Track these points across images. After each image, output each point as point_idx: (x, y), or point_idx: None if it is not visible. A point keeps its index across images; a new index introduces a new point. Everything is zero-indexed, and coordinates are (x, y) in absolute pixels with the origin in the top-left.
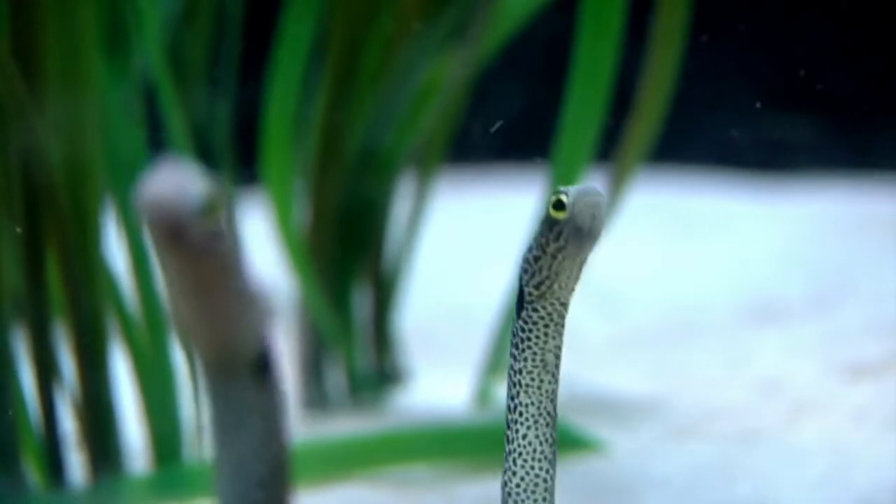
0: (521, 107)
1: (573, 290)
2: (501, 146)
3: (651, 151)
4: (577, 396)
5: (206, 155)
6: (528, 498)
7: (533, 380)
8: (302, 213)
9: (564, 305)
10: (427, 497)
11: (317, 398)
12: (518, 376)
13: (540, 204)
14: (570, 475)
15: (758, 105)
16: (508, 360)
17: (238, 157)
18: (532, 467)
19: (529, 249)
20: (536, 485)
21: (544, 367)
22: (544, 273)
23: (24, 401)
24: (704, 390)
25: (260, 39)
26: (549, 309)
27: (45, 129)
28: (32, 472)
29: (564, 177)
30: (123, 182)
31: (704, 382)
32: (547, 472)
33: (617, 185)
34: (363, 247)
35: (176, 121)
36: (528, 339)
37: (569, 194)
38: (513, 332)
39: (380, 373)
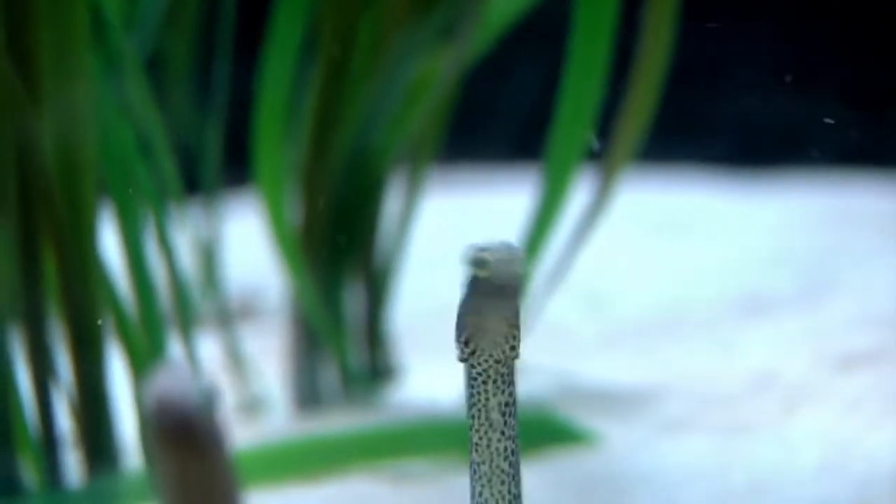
0: (513, 105)
1: (511, 347)
2: (494, 145)
3: (639, 149)
4: (569, 390)
5: (195, 155)
6: None
7: (481, 438)
8: (293, 210)
9: (501, 363)
10: (424, 490)
11: (309, 395)
12: (471, 433)
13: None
14: (563, 468)
15: (743, 101)
16: None
17: (229, 156)
18: None
19: (460, 306)
20: None
21: (490, 425)
22: (470, 330)
23: (20, 399)
24: (696, 383)
25: (250, 37)
26: (485, 366)
27: (40, 125)
28: (28, 471)
29: (557, 175)
30: (119, 178)
31: (696, 375)
32: None
33: (606, 184)
34: (355, 244)
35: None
36: (472, 396)
37: (489, 252)
38: (464, 387)
39: (372, 369)
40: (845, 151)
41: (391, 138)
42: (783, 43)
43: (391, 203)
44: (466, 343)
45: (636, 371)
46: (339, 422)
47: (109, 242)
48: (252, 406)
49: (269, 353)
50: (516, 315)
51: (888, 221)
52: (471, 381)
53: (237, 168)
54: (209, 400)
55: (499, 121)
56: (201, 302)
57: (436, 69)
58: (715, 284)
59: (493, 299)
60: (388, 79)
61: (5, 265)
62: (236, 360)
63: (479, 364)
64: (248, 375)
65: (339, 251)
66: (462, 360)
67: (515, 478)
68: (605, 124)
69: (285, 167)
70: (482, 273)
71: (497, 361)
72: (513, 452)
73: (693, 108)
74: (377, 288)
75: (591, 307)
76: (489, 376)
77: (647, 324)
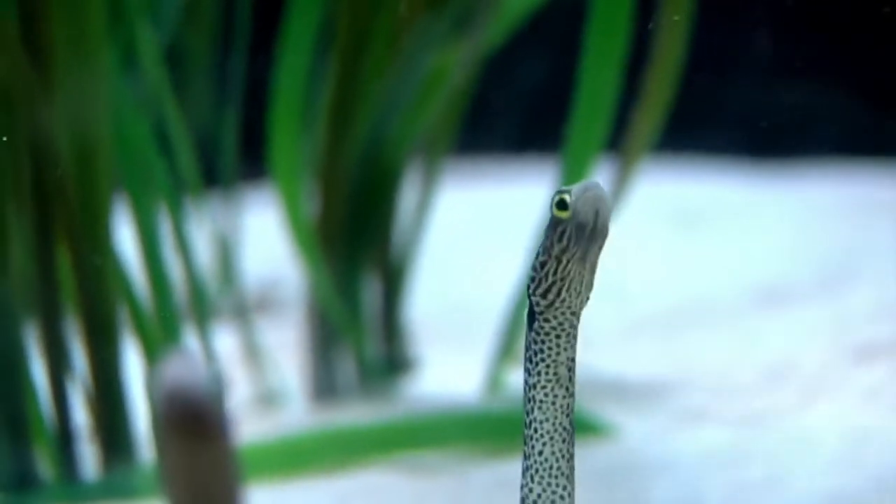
0: (530, 97)
1: (585, 298)
2: (511, 137)
3: (657, 141)
4: (588, 382)
5: (213, 149)
6: None
7: (547, 395)
8: (310, 203)
9: (576, 315)
10: (441, 481)
11: (327, 387)
12: (532, 391)
13: (545, 204)
14: (582, 459)
15: (764, 91)
16: (522, 366)
17: (246, 150)
18: (549, 483)
19: (536, 256)
20: (553, 502)
21: (557, 380)
22: (550, 279)
23: (36, 392)
24: (715, 374)
25: (267, 30)
26: (560, 319)
27: (55, 117)
28: (44, 463)
29: (575, 167)
30: (135, 171)
31: (714, 367)
32: (564, 488)
33: (623, 175)
34: (372, 236)
35: (177, 122)
36: (541, 351)
37: (571, 192)
38: (525, 346)
39: (389, 361)
40: (865, 141)
41: (407, 131)
42: (802, 32)
43: (407, 195)
44: (545, 294)
45: (655, 362)
46: (355, 414)
47: (125, 235)
48: (269, 398)
49: (286, 346)
50: (596, 263)
51: None
52: (542, 335)
53: (256, 161)
54: (218, 389)
55: (515, 112)
56: (218, 295)
57: (451, 62)
58: (734, 275)
59: (578, 242)
60: (404, 71)
61: (21, 258)
62: (253, 352)
63: (555, 317)
64: (265, 368)
65: (356, 243)
66: (538, 313)
67: (573, 436)
68: (623, 115)
69: (302, 160)
70: (563, 215)
71: (573, 313)
72: (573, 411)
73: (711, 99)
74: (393, 280)
75: (610, 298)
76: (563, 329)
77: (666, 315)
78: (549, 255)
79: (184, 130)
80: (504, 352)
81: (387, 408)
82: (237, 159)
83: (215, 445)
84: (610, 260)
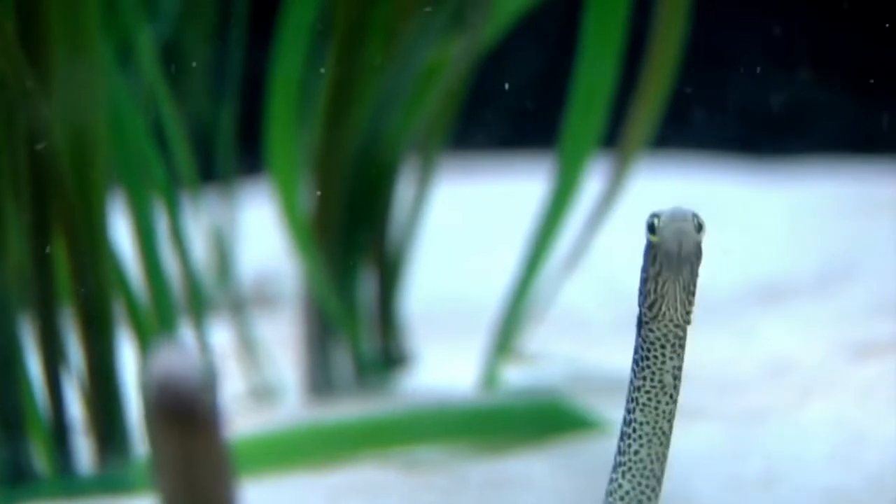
0: (527, 91)
1: (687, 312)
2: (507, 132)
3: (654, 137)
4: (582, 377)
5: (210, 143)
6: None
7: (650, 399)
8: (307, 197)
9: (680, 327)
10: (435, 478)
11: (323, 381)
12: (636, 393)
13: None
14: (576, 454)
15: (762, 87)
16: (630, 372)
17: (243, 144)
18: (639, 483)
19: (643, 271)
20: (640, 501)
21: (662, 387)
22: (652, 296)
23: (32, 386)
24: (712, 370)
25: (263, 24)
26: (665, 331)
27: (51, 112)
28: (40, 457)
29: (571, 162)
30: (132, 165)
31: (711, 362)
32: (653, 489)
33: (620, 171)
34: (368, 231)
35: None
36: (647, 358)
37: (660, 217)
38: (634, 349)
39: (385, 356)
40: (862, 138)
41: (403, 125)
42: (800, 28)
43: (403, 190)
44: (650, 308)
45: None
46: (351, 408)
47: (122, 230)
48: (264, 393)
49: (283, 340)
50: (693, 281)
51: None
52: (648, 344)
53: (253, 156)
54: (210, 381)
55: (511, 107)
56: (215, 289)
57: (448, 56)
58: (731, 272)
59: (666, 267)
60: (401, 66)
61: (17, 251)
62: (249, 346)
63: (659, 329)
64: (260, 362)
65: (352, 238)
66: (645, 322)
67: (669, 441)
68: (620, 110)
69: (298, 155)
70: (654, 239)
71: (676, 326)
72: (673, 417)
73: (708, 94)
74: (390, 274)
75: (607, 294)
76: (668, 340)
77: None
78: (649, 275)
79: (180, 125)
80: (500, 347)
81: (383, 402)
82: (234, 154)
83: (206, 437)
84: (607, 255)
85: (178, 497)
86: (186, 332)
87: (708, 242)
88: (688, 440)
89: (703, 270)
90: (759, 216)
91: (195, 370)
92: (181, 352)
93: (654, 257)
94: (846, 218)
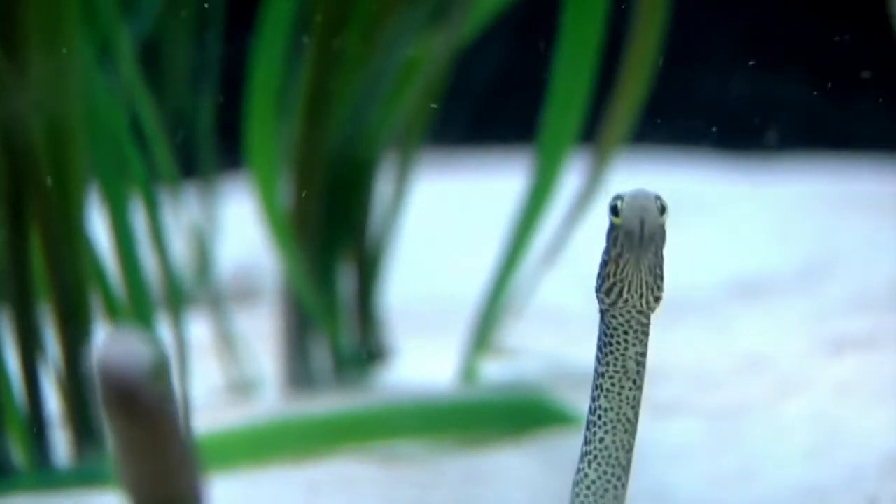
0: (503, 87)
1: (650, 298)
2: (484, 128)
3: (633, 132)
4: (562, 373)
5: (189, 138)
6: (596, 502)
7: (614, 385)
8: (286, 192)
9: (643, 313)
10: (414, 472)
11: (302, 376)
12: (600, 380)
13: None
14: (554, 448)
15: (741, 84)
16: (594, 363)
17: (222, 139)
18: (605, 472)
19: (604, 254)
20: (606, 490)
21: (625, 373)
22: (612, 279)
23: (9, 379)
24: (690, 366)
25: (243, 20)
26: (627, 317)
27: (28, 106)
28: (17, 450)
29: (550, 158)
30: (110, 160)
31: (690, 358)
32: (619, 478)
33: (598, 167)
34: (347, 226)
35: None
36: (609, 345)
37: (626, 200)
38: (598, 336)
39: (364, 351)
40: (843, 135)
41: (383, 121)
42: (782, 24)
43: (383, 185)
44: (608, 293)
45: None
46: (330, 403)
47: (100, 225)
48: (243, 387)
49: (262, 335)
50: (659, 264)
51: (886, 204)
52: (611, 330)
53: (235, 151)
54: (159, 369)
55: (490, 103)
56: (195, 284)
57: (428, 51)
58: (710, 268)
59: (634, 249)
60: (380, 62)
61: None
62: (228, 341)
63: (621, 315)
64: (239, 356)
65: (332, 233)
66: (603, 310)
67: (635, 428)
68: (598, 106)
69: (278, 150)
70: (616, 220)
71: (639, 312)
72: (638, 404)
73: (689, 90)
74: (369, 270)
75: (585, 289)
76: (630, 326)
77: None
78: (609, 257)
79: (159, 120)
80: (479, 342)
81: (361, 397)
82: (214, 149)
83: (156, 425)
84: (587, 251)
85: (136, 484)
86: (164, 327)
87: (686, 239)
88: (666, 435)
89: (682, 266)
90: (738, 212)
91: (140, 358)
92: (126, 340)
93: (616, 238)
94: (825, 214)
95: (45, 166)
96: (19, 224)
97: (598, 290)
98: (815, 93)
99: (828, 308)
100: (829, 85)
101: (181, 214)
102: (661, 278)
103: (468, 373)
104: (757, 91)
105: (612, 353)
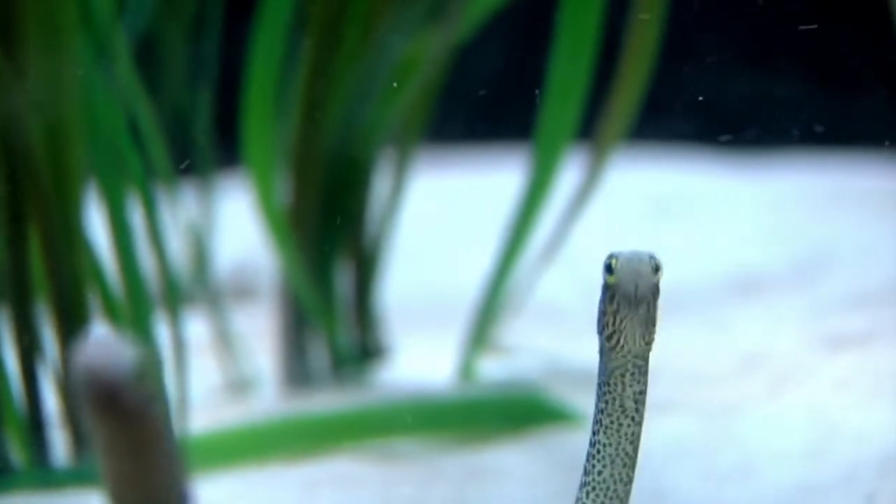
0: (500, 85)
1: (646, 345)
2: (481, 125)
3: (630, 129)
4: (558, 370)
5: (186, 136)
6: None
7: (612, 422)
8: (283, 190)
9: (639, 357)
10: (412, 470)
11: (299, 374)
12: (599, 415)
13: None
14: (549, 447)
15: (740, 80)
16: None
17: (219, 137)
18: (602, 503)
19: (601, 303)
20: None
21: (623, 411)
22: (610, 328)
23: (7, 378)
24: (686, 363)
25: (240, 18)
26: (623, 361)
27: (26, 104)
28: (15, 450)
29: (547, 155)
30: (107, 158)
31: (686, 355)
32: None
33: (596, 163)
34: (345, 223)
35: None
36: (607, 384)
37: (617, 259)
38: (598, 373)
39: (362, 348)
40: (838, 130)
41: (380, 118)
42: (781, 20)
43: (380, 183)
44: (608, 339)
45: None
46: (328, 401)
47: (98, 223)
48: (241, 385)
49: (260, 333)
50: (651, 317)
51: (882, 201)
52: (609, 371)
53: (232, 148)
54: (144, 370)
55: (487, 100)
56: (192, 282)
57: (425, 49)
58: (706, 264)
59: (624, 307)
60: (378, 59)
61: None
62: (226, 339)
63: (618, 359)
64: (237, 354)
65: (329, 231)
66: (603, 352)
67: (634, 462)
68: (596, 103)
69: (275, 148)
70: (610, 280)
71: (635, 356)
72: (637, 438)
73: (685, 86)
74: (366, 267)
75: (583, 286)
76: (627, 369)
77: None
78: (605, 310)
79: (155, 118)
80: (477, 339)
81: (359, 394)
82: (211, 146)
83: (137, 427)
84: (583, 248)
85: (116, 486)
86: (162, 325)
87: (683, 235)
88: (661, 434)
89: (679, 263)
90: (734, 208)
91: (121, 359)
92: (108, 341)
93: (612, 297)
94: (821, 210)
95: (42, 165)
96: (17, 223)
97: (599, 334)
98: (813, 89)
99: (825, 304)
100: (827, 81)
101: (179, 213)
102: (654, 324)
103: (466, 370)
104: (755, 87)
105: (610, 392)
